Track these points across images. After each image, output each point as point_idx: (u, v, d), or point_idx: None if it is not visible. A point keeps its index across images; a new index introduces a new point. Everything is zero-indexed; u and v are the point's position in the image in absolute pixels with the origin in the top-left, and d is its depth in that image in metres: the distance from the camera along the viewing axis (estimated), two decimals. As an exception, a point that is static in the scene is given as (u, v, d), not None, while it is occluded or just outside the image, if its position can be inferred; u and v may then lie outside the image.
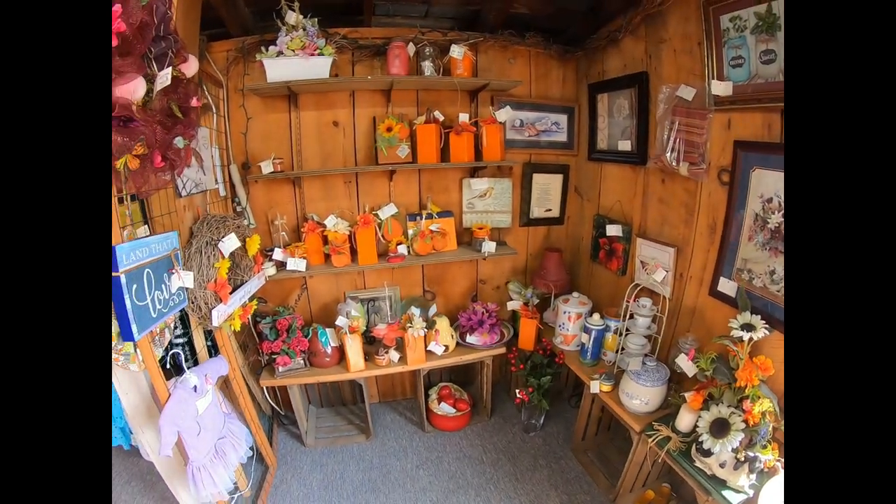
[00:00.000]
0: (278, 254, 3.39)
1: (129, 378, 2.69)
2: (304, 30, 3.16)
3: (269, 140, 3.54)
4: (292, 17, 3.12)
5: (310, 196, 3.68)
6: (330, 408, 4.18)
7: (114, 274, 2.18)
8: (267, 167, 3.34)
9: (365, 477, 3.50)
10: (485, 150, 3.56)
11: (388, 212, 3.55)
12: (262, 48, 3.19)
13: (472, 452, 3.68)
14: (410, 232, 3.66)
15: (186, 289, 2.60)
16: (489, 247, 3.63)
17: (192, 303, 2.68)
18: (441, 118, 3.53)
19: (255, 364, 3.64)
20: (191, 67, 2.48)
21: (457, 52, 3.41)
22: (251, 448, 3.06)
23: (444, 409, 3.80)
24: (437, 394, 3.92)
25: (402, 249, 3.54)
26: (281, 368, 3.43)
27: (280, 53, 3.15)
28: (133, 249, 2.26)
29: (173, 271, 2.50)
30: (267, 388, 3.64)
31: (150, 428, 2.74)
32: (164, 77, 2.34)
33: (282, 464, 3.64)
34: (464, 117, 3.53)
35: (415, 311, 3.51)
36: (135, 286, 2.25)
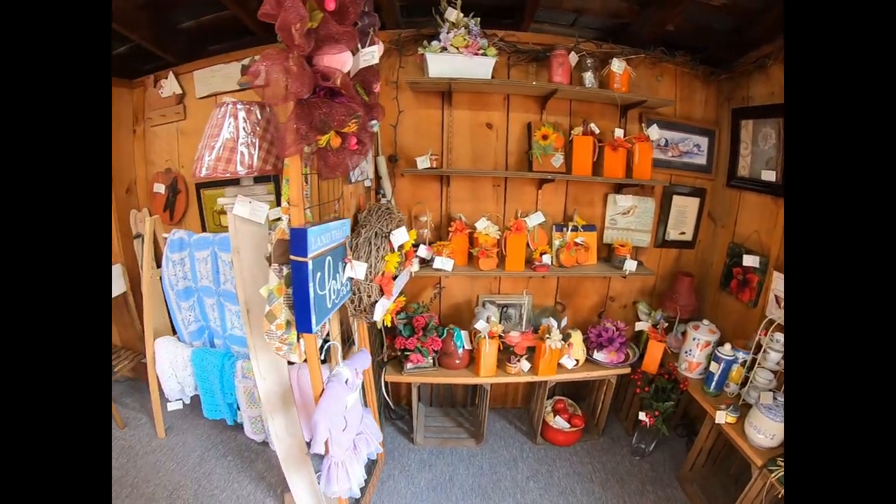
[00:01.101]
0: (423, 251, 2.98)
1: (269, 363, 2.35)
2: (466, 28, 2.80)
3: (419, 135, 3.17)
4: (453, 14, 2.77)
5: (456, 196, 3.27)
6: (439, 408, 3.75)
7: (301, 259, 1.79)
8: (423, 162, 2.96)
9: (475, 483, 3.12)
10: (635, 167, 3.12)
11: (535, 220, 3.12)
12: (425, 42, 2.84)
13: (581, 470, 3.25)
14: (556, 242, 3.23)
15: (351, 280, 2.21)
16: (631, 265, 3.18)
17: (354, 294, 2.28)
18: (597, 131, 3.10)
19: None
20: (378, 50, 2.11)
21: (617, 65, 3.02)
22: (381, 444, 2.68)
23: (560, 423, 3.36)
24: (553, 407, 3.48)
25: (546, 259, 3.10)
26: (410, 365, 3.04)
27: (444, 49, 2.79)
28: (320, 234, 1.88)
29: (347, 260, 2.11)
30: (386, 383, 3.26)
31: (282, 414, 2.46)
32: (371, 55, 1.95)
33: (389, 459, 3.28)
34: (619, 133, 3.10)
35: (553, 322, 3.07)
36: (319, 274, 1.87)
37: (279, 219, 1.93)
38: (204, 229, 3.46)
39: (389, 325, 2.72)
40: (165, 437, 3.55)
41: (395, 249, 2.36)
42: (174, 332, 3.45)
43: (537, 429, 3.43)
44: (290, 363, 2.41)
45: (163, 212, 3.61)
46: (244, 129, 1.98)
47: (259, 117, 2.02)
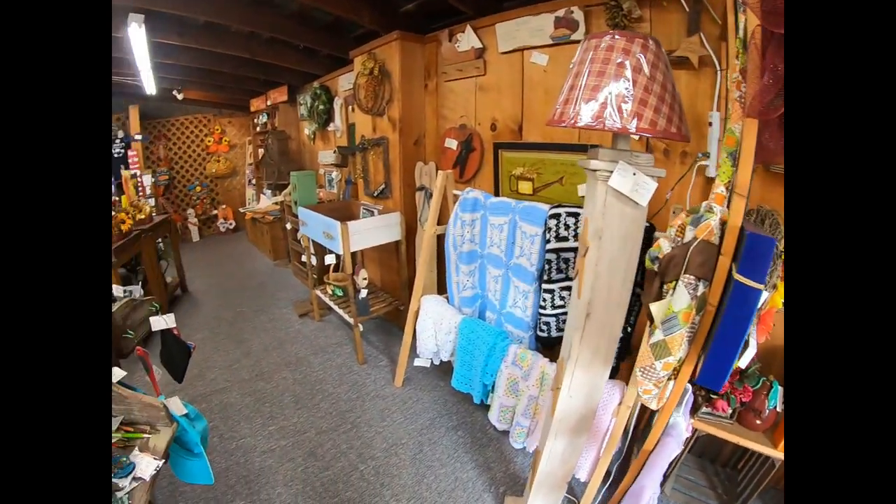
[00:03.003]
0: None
1: (585, 382, 1.68)
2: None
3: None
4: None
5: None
6: (697, 458, 2.82)
7: (754, 285, 1.06)
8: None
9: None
10: None
11: None
12: None
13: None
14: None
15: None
16: None
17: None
18: None
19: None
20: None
21: None
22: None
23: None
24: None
25: None
26: (706, 410, 2.19)
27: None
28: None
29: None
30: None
31: (568, 438, 1.86)
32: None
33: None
34: None
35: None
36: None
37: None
38: (496, 193, 2.90)
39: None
40: (402, 387, 3.18)
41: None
42: (438, 290, 3.00)
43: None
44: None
45: (452, 168, 3.12)
46: (643, 71, 1.27)
47: (657, 58, 1.30)
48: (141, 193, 6.26)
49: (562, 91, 1.41)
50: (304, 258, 4.34)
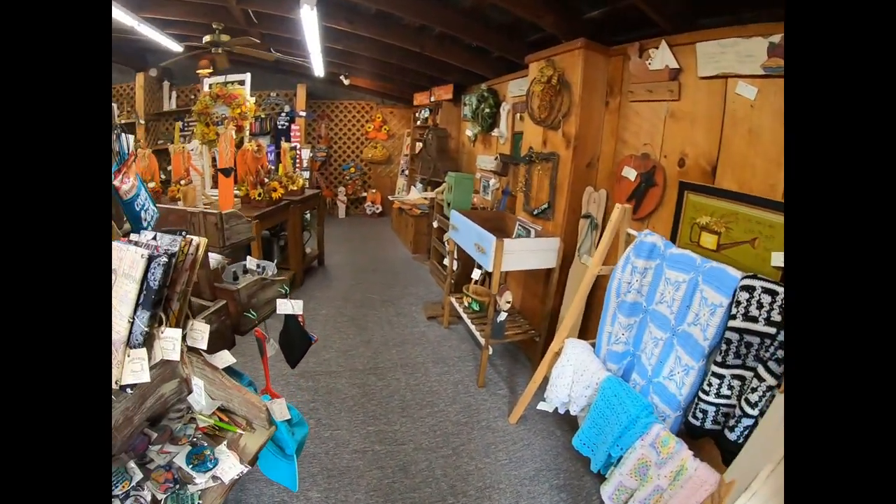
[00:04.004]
0: None
1: None
2: None
3: None
4: None
5: None
6: None
7: None
8: None
9: None
10: None
11: None
12: None
13: None
14: None
15: None
16: None
17: None
18: None
19: None
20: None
21: None
22: None
23: None
24: None
25: None
26: None
27: None
28: None
29: None
30: None
31: None
32: None
33: None
34: None
35: None
36: None
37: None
38: (672, 240, 2.52)
39: None
40: (515, 424, 2.92)
41: None
42: (580, 333, 2.70)
43: None
44: None
45: (626, 201, 2.80)
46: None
47: None
48: (298, 166, 6.65)
49: None
50: (445, 261, 4.27)
